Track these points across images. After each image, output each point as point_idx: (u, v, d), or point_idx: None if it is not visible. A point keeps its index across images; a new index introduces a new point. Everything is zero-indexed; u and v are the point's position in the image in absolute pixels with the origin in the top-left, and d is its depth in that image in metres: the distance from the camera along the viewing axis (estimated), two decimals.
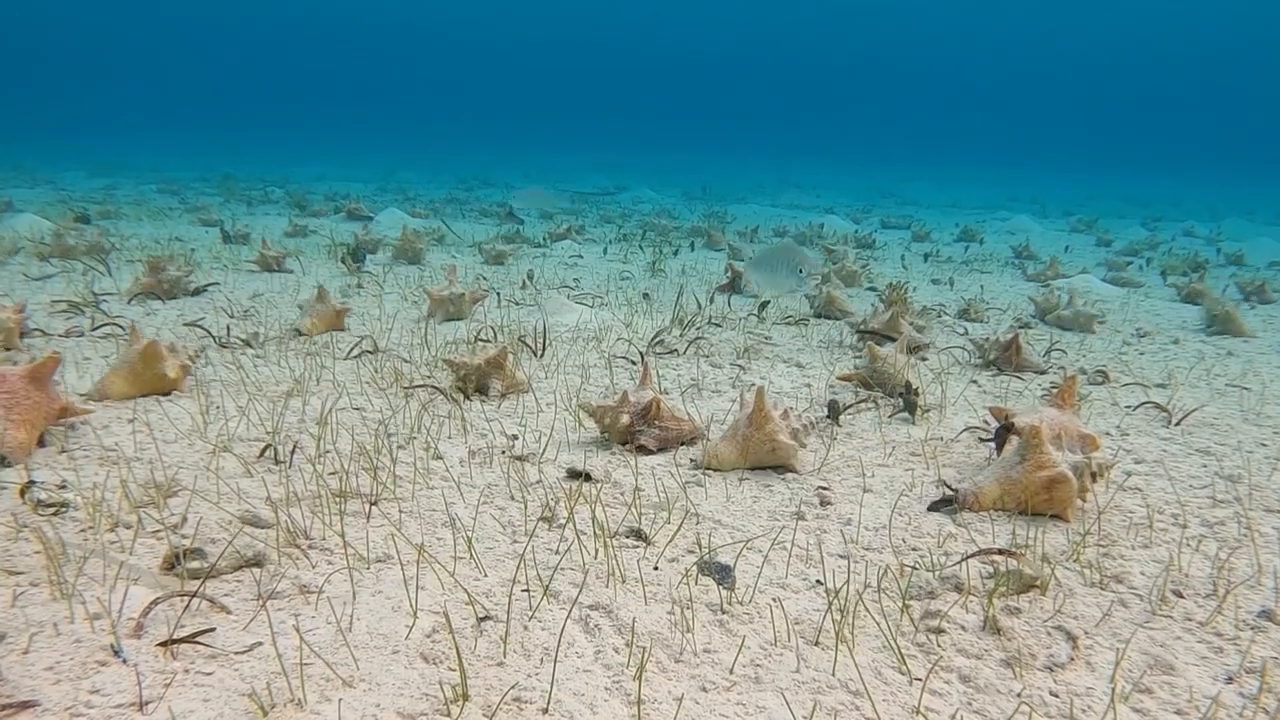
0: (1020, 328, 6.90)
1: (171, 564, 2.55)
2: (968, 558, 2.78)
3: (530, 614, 2.42)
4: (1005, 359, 5.44)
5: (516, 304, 7.08)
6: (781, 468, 3.59)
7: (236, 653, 2.18)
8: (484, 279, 8.20)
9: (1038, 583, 2.62)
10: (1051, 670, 2.24)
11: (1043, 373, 5.43)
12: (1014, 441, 3.39)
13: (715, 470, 3.55)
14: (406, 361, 5.09)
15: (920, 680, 2.18)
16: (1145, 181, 41.47)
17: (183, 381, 4.32)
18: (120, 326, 5.52)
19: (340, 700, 2.00)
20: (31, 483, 3.05)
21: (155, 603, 2.32)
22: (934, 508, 3.22)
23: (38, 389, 3.32)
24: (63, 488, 3.10)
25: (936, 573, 2.73)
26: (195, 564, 2.55)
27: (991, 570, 2.74)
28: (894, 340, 5.21)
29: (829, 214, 17.14)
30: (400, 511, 3.08)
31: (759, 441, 3.48)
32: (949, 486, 3.29)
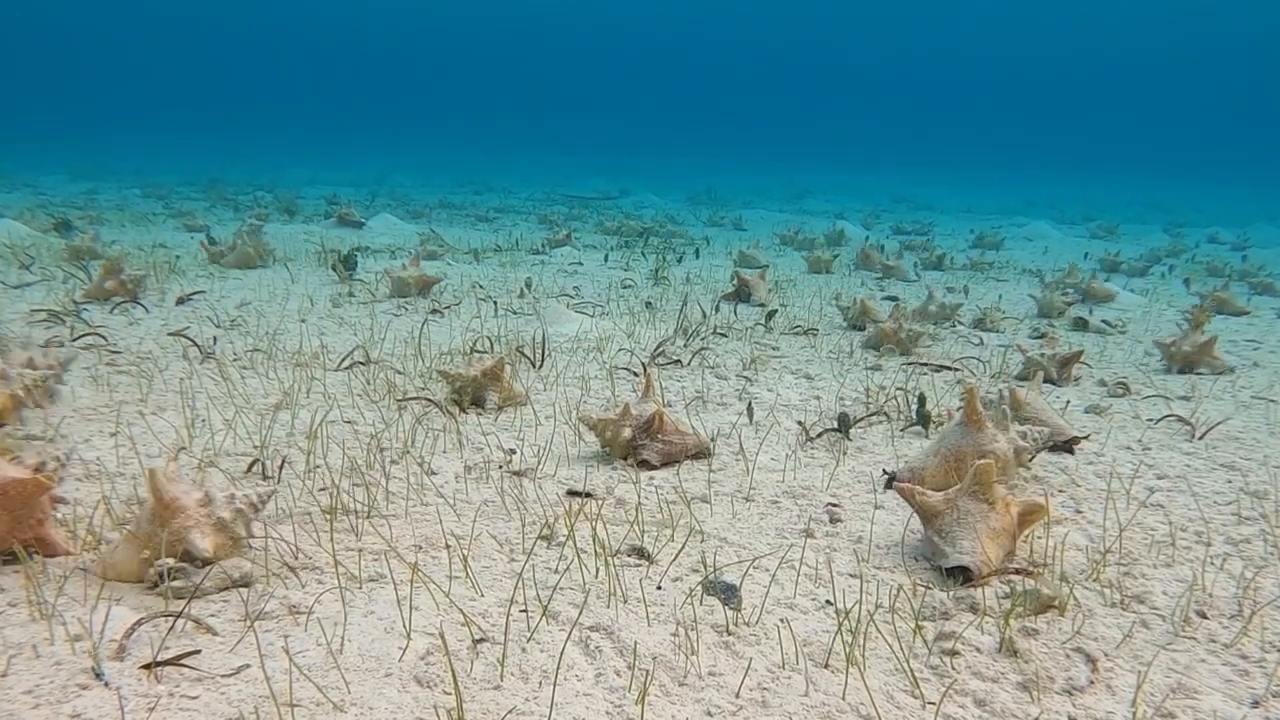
0: (1037, 337, 6.91)
1: (155, 583, 2.55)
2: (984, 577, 2.78)
3: (528, 635, 2.42)
4: (1065, 375, 5.47)
5: (514, 313, 7.09)
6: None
7: (223, 675, 2.17)
8: (480, 286, 8.22)
9: (1056, 603, 2.62)
10: (1070, 694, 2.24)
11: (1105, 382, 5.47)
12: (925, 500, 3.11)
13: (116, 582, 2.60)
14: (400, 373, 5.10)
15: (934, 704, 2.17)
16: (1164, 184, 41.48)
17: (13, 412, 3.91)
18: (102, 336, 5.53)
19: None
20: None
21: (138, 624, 2.32)
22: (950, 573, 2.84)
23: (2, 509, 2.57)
24: None
25: (951, 593, 2.73)
26: (180, 583, 2.55)
27: (1008, 590, 2.74)
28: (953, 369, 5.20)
29: (840, 219, 17.17)
30: (393, 529, 3.08)
31: (166, 543, 2.56)
32: (942, 569, 2.87)
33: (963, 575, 2.78)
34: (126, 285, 6.70)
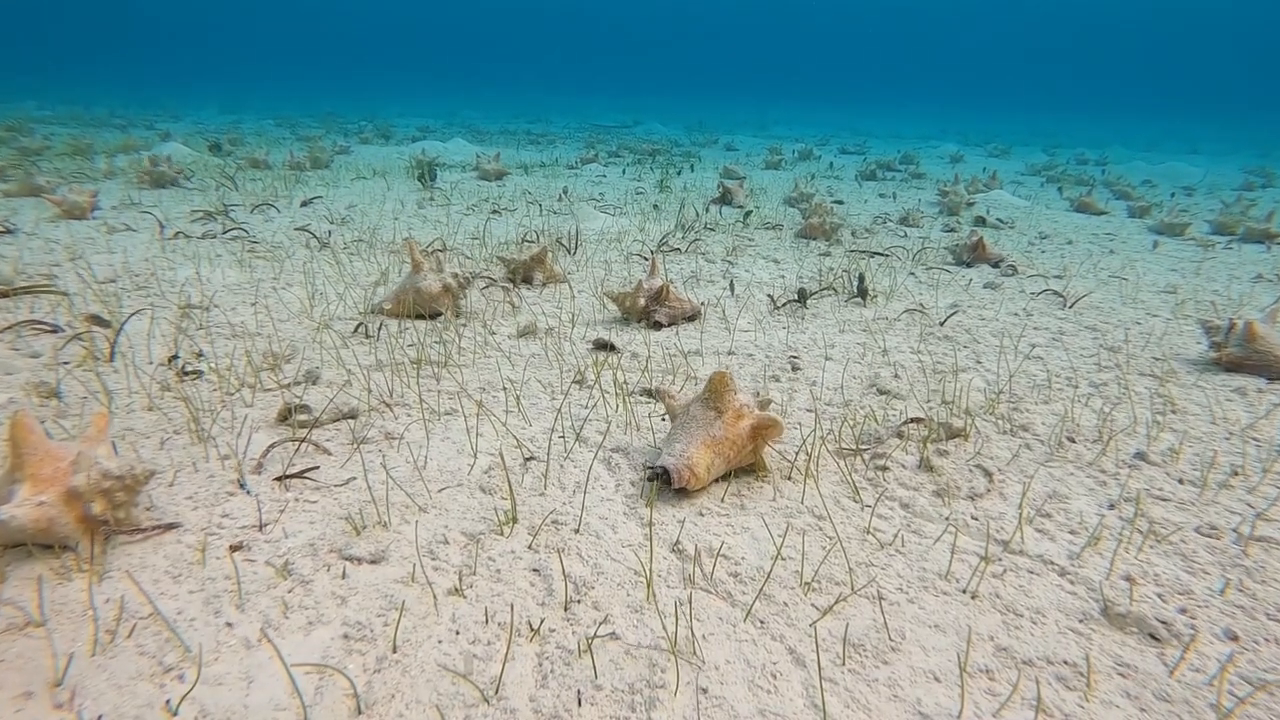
0: (948, 231, 6.66)
1: (285, 416, 2.48)
2: (906, 423, 2.68)
3: (565, 455, 2.34)
4: (976, 256, 5.25)
5: (555, 213, 6.86)
6: None
7: (335, 485, 2.11)
8: (529, 193, 7.94)
9: (962, 431, 2.53)
10: (972, 499, 2.16)
11: (1000, 261, 5.24)
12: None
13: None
14: (468, 258, 4.93)
15: (870, 507, 2.10)
16: (1048, 117, 39.92)
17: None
18: (244, 230, 5.35)
19: (416, 522, 1.95)
20: (174, 356, 2.97)
21: (272, 446, 2.25)
22: (652, 478, 2.15)
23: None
24: (199, 356, 3.02)
25: (883, 423, 2.64)
26: (303, 416, 2.48)
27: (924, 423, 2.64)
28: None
29: (798, 143, 16.55)
30: (464, 375, 2.98)
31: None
32: (650, 466, 2.15)
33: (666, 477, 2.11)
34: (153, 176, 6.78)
